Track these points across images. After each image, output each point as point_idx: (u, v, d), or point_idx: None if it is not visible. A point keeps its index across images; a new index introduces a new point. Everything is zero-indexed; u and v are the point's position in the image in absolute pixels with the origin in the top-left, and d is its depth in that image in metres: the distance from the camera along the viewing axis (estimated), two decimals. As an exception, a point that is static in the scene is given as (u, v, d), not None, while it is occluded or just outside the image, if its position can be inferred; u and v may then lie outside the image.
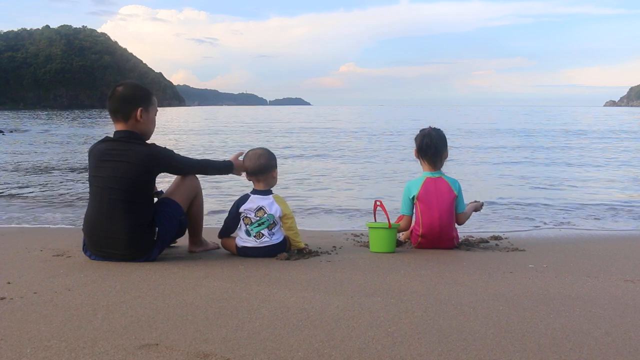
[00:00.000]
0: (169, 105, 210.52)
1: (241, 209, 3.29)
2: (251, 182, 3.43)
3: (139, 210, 3.04)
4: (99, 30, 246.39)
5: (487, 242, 3.94)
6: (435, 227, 3.52)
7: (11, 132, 24.16)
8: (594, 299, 2.47)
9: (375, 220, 3.76)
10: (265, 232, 3.26)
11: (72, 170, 10.11)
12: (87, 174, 3.23)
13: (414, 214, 3.63)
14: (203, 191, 3.45)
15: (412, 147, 3.76)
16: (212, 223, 4.47)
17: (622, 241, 4.32)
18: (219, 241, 3.51)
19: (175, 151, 3.24)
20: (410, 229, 3.71)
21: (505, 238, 4.13)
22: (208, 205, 3.54)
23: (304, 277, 2.79)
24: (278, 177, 3.49)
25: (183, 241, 3.49)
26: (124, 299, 2.38)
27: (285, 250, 3.32)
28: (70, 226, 4.99)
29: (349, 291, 2.54)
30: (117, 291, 2.50)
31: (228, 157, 3.50)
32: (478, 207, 3.95)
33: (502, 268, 3.07)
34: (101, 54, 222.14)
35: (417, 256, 3.42)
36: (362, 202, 6.43)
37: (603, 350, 1.86)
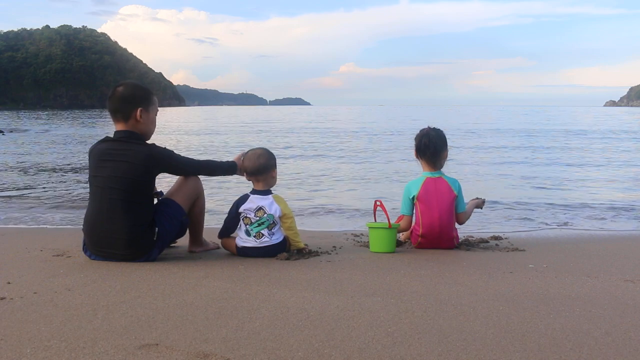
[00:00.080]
0: (169, 105, 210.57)
1: (241, 209, 3.29)
2: (251, 182, 3.43)
3: (139, 210, 3.04)
4: (99, 30, 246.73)
5: (487, 242, 3.94)
6: (435, 227, 3.52)
7: (11, 132, 24.17)
8: (594, 299, 2.47)
9: (375, 220, 3.76)
10: (265, 232, 3.26)
11: (72, 170, 10.11)
12: (86, 174, 3.24)
13: (414, 214, 3.63)
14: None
15: (412, 147, 3.76)
16: (212, 223, 4.47)
17: (622, 241, 4.32)
18: (219, 241, 3.51)
19: (175, 152, 3.24)
20: (410, 229, 3.71)
21: (505, 238, 4.13)
22: (207, 205, 3.54)
23: (304, 277, 2.79)
24: (278, 177, 3.49)
25: (183, 241, 3.49)
26: (124, 299, 2.38)
27: (285, 250, 3.32)
28: (70, 226, 4.99)
29: (349, 291, 2.54)
30: (117, 291, 2.50)
31: (229, 157, 3.50)
32: (479, 204, 3.94)
33: (502, 268, 3.07)
34: (101, 54, 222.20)
35: (417, 256, 3.42)
36: (362, 202, 6.43)
37: (603, 350, 1.86)
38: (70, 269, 2.92)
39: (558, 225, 5.10)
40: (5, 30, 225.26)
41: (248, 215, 3.27)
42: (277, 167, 3.47)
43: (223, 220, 3.44)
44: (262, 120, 44.11)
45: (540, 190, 7.69)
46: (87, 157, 3.18)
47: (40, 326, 2.02)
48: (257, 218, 3.26)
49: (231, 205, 3.37)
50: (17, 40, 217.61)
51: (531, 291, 2.59)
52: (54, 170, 10.09)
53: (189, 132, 25.64)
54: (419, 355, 1.80)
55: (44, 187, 7.77)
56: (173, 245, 3.51)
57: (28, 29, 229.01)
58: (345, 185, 8.36)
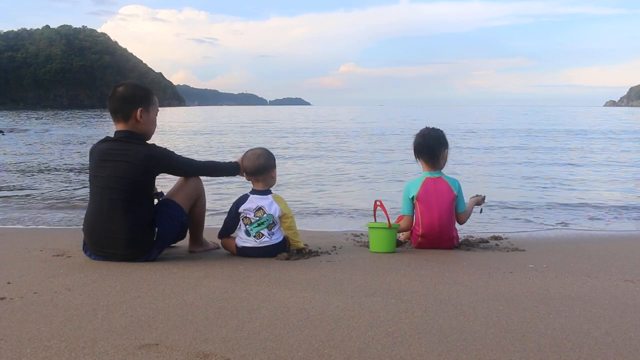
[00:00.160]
0: (169, 105, 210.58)
1: (240, 209, 3.29)
2: (250, 182, 3.43)
3: (139, 210, 3.04)
4: (99, 30, 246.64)
5: (487, 242, 3.94)
6: (435, 227, 3.52)
7: (11, 131, 24.17)
8: (594, 299, 2.47)
9: (375, 220, 3.76)
10: (265, 232, 3.26)
11: (72, 170, 10.11)
12: (86, 174, 3.24)
13: (414, 214, 3.62)
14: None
15: (412, 147, 3.76)
16: (212, 223, 4.47)
17: (622, 241, 4.32)
18: (219, 241, 3.51)
19: (176, 152, 3.24)
20: (410, 229, 3.71)
21: (505, 238, 4.13)
22: (207, 205, 3.54)
23: (304, 277, 2.79)
24: (277, 177, 3.49)
25: (183, 241, 3.49)
26: (124, 299, 2.38)
27: (285, 250, 3.32)
28: (70, 226, 4.99)
29: (349, 291, 2.54)
30: (117, 291, 2.50)
31: (229, 157, 3.50)
32: (479, 200, 3.94)
33: (502, 268, 3.07)
34: (101, 54, 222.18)
35: (417, 256, 3.42)
36: (362, 202, 6.43)
37: (603, 350, 1.86)
38: (70, 269, 2.92)
39: (558, 225, 5.10)
40: (5, 30, 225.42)
41: (248, 215, 3.28)
42: (277, 167, 3.47)
43: (223, 221, 3.44)
44: (262, 120, 44.12)
45: (540, 190, 7.69)
46: (87, 157, 3.18)
47: (40, 326, 2.02)
48: (257, 218, 3.26)
49: (231, 205, 3.37)
50: (17, 40, 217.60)
51: (531, 291, 2.59)
52: (54, 170, 10.09)
53: (189, 132, 25.64)
54: (419, 355, 1.80)
55: (44, 187, 7.77)
56: (173, 245, 3.51)
57: (28, 29, 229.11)
58: (345, 185, 8.36)
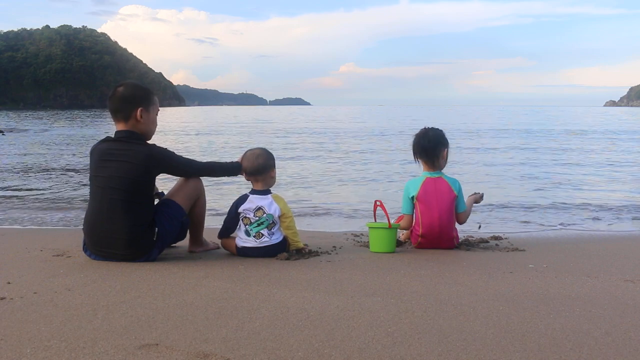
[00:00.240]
0: (169, 105, 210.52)
1: (240, 209, 3.29)
2: (250, 182, 3.43)
3: (139, 211, 3.04)
4: (99, 30, 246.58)
5: (487, 242, 3.93)
6: (435, 227, 3.52)
7: (11, 131, 24.17)
8: (594, 299, 2.47)
9: (375, 220, 3.76)
10: (264, 232, 3.26)
11: (72, 170, 10.11)
12: (86, 174, 3.24)
13: (414, 214, 3.62)
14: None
15: (411, 147, 3.75)
16: (212, 223, 4.48)
17: (622, 241, 4.32)
18: (219, 241, 3.51)
19: (177, 152, 3.24)
20: (410, 228, 3.71)
21: (505, 238, 4.13)
22: (207, 205, 3.54)
23: (304, 277, 2.79)
24: (277, 177, 3.48)
25: (183, 241, 3.49)
26: (124, 299, 2.38)
27: (285, 250, 3.32)
28: (70, 226, 5.00)
29: (349, 291, 2.54)
30: (117, 291, 2.50)
31: (229, 157, 3.50)
32: (478, 198, 3.93)
33: (502, 268, 3.07)
34: (101, 54, 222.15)
35: (417, 256, 3.42)
36: (362, 203, 6.43)
37: (603, 350, 1.86)
38: (70, 269, 2.92)
39: (558, 225, 5.10)
40: (5, 30, 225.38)
41: (247, 216, 3.27)
42: (277, 167, 3.47)
43: (223, 221, 3.44)
44: (262, 120, 44.11)
45: (540, 190, 7.69)
46: (87, 157, 3.18)
47: (40, 326, 2.02)
48: (257, 218, 3.26)
49: (230, 206, 3.37)
50: (17, 40, 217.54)
51: (531, 291, 2.59)
52: (54, 170, 10.09)
53: (189, 132, 25.64)
54: (419, 355, 1.80)
55: (44, 187, 7.77)
56: (173, 245, 3.51)
57: (28, 29, 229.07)
58: (345, 185, 8.37)
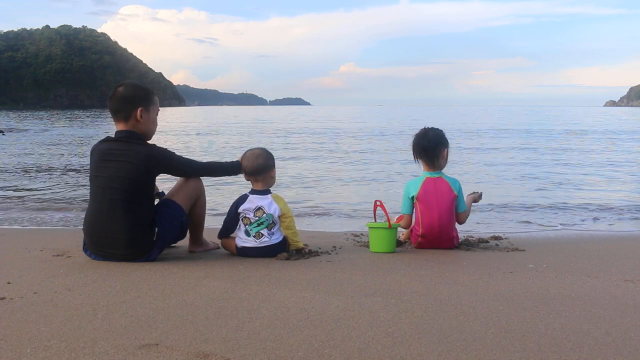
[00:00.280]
0: (169, 105, 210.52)
1: (240, 209, 3.29)
2: (250, 182, 3.43)
3: (139, 211, 3.04)
4: (99, 30, 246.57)
5: (487, 242, 3.93)
6: (435, 227, 3.52)
7: (11, 131, 24.17)
8: (594, 299, 2.47)
9: (375, 220, 3.76)
10: (264, 232, 3.26)
11: (72, 170, 10.11)
12: (86, 174, 3.24)
13: (414, 214, 3.62)
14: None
15: (411, 147, 3.75)
16: (212, 223, 4.48)
17: (622, 241, 4.32)
18: (219, 241, 3.51)
19: (177, 153, 3.24)
20: (410, 228, 3.71)
21: (505, 238, 4.13)
22: (207, 204, 3.54)
23: (304, 277, 2.79)
24: (277, 177, 3.48)
25: (183, 241, 3.49)
26: (124, 299, 2.38)
27: (285, 250, 3.32)
28: (70, 226, 5.00)
29: (349, 291, 2.54)
30: (117, 291, 2.50)
31: (229, 157, 3.49)
32: (476, 197, 3.93)
33: (502, 268, 3.07)
34: (101, 54, 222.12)
35: (417, 256, 3.42)
36: (362, 203, 6.43)
37: (603, 350, 1.86)
38: (70, 269, 2.92)
39: (558, 226, 5.10)
40: (5, 30, 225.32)
41: (247, 216, 3.27)
42: (277, 167, 3.47)
43: (222, 221, 3.44)
44: (262, 120, 44.11)
45: (540, 190, 7.69)
46: (87, 157, 3.18)
47: (40, 326, 2.02)
48: (257, 218, 3.26)
49: (230, 206, 3.37)
50: (17, 40, 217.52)
51: (531, 291, 2.59)
52: (54, 170, 10.09)
53: (189, 132, 25.64)
54: (419, 355, 1.80)
55: (44, 187, 7.77)
56: (173, 245, 3.51)
57: (28, 29, 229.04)
58: (345, 185, 8.37)
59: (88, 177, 3.20)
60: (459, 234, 3.74)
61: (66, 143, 17.60)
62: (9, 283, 2.61)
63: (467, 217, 3.71)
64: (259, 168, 3.34)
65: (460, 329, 2.03)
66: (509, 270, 3.02)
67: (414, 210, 3.61)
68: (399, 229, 3.68)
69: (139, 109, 3.09)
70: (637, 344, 1.93)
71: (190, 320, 2.11)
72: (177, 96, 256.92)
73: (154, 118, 3.21)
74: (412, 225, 3.69)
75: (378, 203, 3.56)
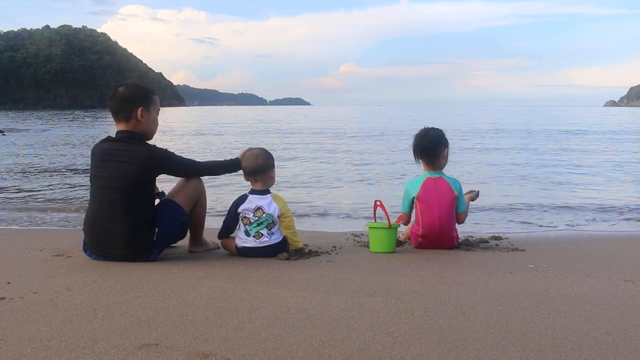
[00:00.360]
0: (169, 105, 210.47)
1: (240, 209, 3.29)
2: (249, 182, 3.43)
3: (139, 211, 3.04)
4: (99, 30, 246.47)
5: (487, 242, 3.93)
6: (436, 227, 3.52)
7: (10, 131, 24.17)
8: (594, 299, 2.47)
9: (375, 220, 3.76)
10: (264, 232, 3.26)
11: (72, 170, 10.10)
12: (86, 174, 3.24)
13: (414, 214, 3.63)
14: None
15: (411, 148, 3.75)
16: (212, 223, 4.47)
17: (622, 241, 4.32)
18: (219, 242, 3.51)
19: (177, 153, 3.24)
20: (410, 229, 3.71)
21: (505, 238, 4.13)
22: (207, 205, 3.53)
23: (304, 277, 2.79)
24: (277, 177, 3.48)
25: (183, 241, 3.49)
26: (124, 299, 2.38)
27: (285, 249, 3.32)
28: (70, 227, 5.00)
29: (349, 291, 2.54)
30: (117, 291, 2.50)
31: (229, 157, 3.49)
32: (473, 196, 3.93)
33: (502, 268, 3.07)
34: (101, 54, 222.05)
35: (417, 256, 3.42)
36: (362, 203, 6.43)
37: (603, 350, 1.86)
38: (70, 269, 2.92)
39: (558, 226, 5.10)
40: (5, 30, 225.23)
41: (247, 216, 3.28)
42: (277, 167, 3.47)
43: (222, 221, 3.44)
44: (262, 120, 44.11)
45: (540, 190, 7.69)
46: (87, 158, 3.19)
47: (40, 326, 2.02)
48: (256, 218, 3.26)
49: (230, 206, 3.37)
50: (17, 40, 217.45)
51: (531, 291, 2.59)
52: (54, 170, 10.09)
53: (189, 132, 25.64)
54: (419, 355, 1.80)
55: (44, 187, 7.77)
56: (173, 245, 3.51)
57: (28, 29, 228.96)
58: (345, 185, 8.36)
59: (88, 177, 3.20)
60: (459, 234, 3.74)
61: (66, 143, 17.59)
62: (9, 283, 2.61)
63: (466, 217, 3.71)
64: (258, 168, 3.34)
65: (460, 329, 2.03)
66: (509, 270, 3.02)
67: (415, 210, 3.62)
68: (399, 228, 3.68)
69: (140, 109, 3.09)
70: (637, 344, 1.93)
71: (190, 320, 2.11)
72: (177, 96, 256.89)
73: (154, 118, 3.21)
74: (412, 225, 3.69)
75: (378, 203, 3.56)
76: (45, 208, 6.02)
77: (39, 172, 9.69)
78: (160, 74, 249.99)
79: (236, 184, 7.34)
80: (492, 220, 5.30)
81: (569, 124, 32.63)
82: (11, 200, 6.62)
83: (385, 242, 3.52)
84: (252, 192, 3.35)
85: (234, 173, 3.48)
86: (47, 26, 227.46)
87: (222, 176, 3.56)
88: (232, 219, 3.34)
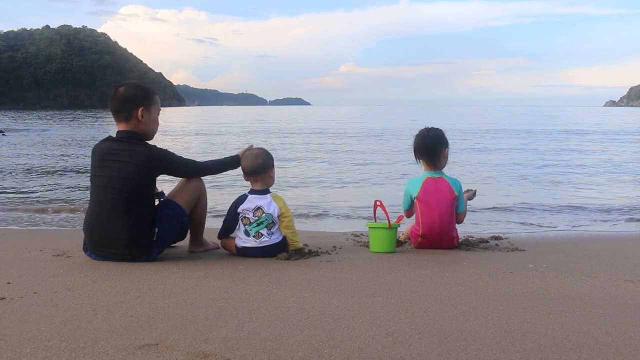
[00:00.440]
0: (169, 105, 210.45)
1: (239, 209, 3.29)
2: (249, 182, 3.43)
3: (139, 211, 3.04)
4: (99, 30, 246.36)
5: (487, 242, 3.93)
6: (436, 228, 3.52)
7: (11, 131, 24.16)
8: (594, 299, 2.47)
9: (375, 220, 3.76)
10: (264, 231, 3.26)
11: (72, 170, 10.10)
12: (86, 174, 3.24)
13: (415, 214, 3.63)
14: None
15: (412, 148, 3.75)
16: (212, 223, 4.47)
17: (622, 241, 4.32)
18: (219, 242, 3.51)
19: (177, 153, 3.24)
20: (410, 229, 3.71)
21: (505, 238, 4.13)
22: (208, 205, 3.53)
23: (304, 277, 2.79)
24: (277, 177, 3.48)
25: (183, 241, 3.49)
26: (124, 299, 2.38)
27: (285, 249, 3.32)
28: (70, 227, 5.00)
29: (349, 291, 2.54)
30: (117, 291, 2.50)
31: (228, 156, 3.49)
32: (471, 196, 3.93)
33: (502, 268, 3.07)
34: (101, 54, 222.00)
35: (417, 256, 3.42)
36: (362, 203, 6.43)
37: (603, 350, 1.86)
38: (70, 269, 2.92)
39: (558, 226, 5.10)
40: (5, 30, 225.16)
41: (247, 216, 3.27)
42: (277, 167, 3.47)
43: (222, 221, 3.44)
44: (262, 120, 44.11)
45: (540, 190, 7.69)
46: (87, 158, 3.19)
47: (40, 326, 2.02)
48: (256, 218, 3.26)
49: (230, 206, 3.37)
50: (17, 40, 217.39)
51: (531, 291, 2.59)
52: (54, 170, 10.09)
53: (190, 132, 25.64)
54: (419, 355, 1.80)
55: (44, 188, 7.77)
56: (173, 245, 3.51)
57: (28, 29, 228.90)
58: (345, 185, 8.36)
59: (88, 178, 3.20)
60: (459, 234, 3.74)
61: (66, 143, 17.59)
62: (9, 283, 2.61)
63: (465, 217, 3.71)
64: (258, 168, 3.34)
65: (460, 329, 2.03)
66: (509, 270, 3.02)
67: (415, 210, 3.62)
68: (399, 228, 3.68)
69: (140, 109, 3.09)
70: (637, 344, 1.93)
71: (190, 320, 2.11)
72: (177, 96, 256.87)
73: (155, 118, 3.21)
74: (412, 225, 3.70)
75: (378, 203, 3.56)
76: (45, 208, 6.02)
77: (39, 172, 9.69)
78: (160, 74, 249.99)
79: (236, 184, 7.34)
80: (492, 220, 5.30)
81: (569, 124, 32.64)
82: (11, 201, 6.62)
83: (385, 242, 3.52)
84: (252, 192, 3.35)
85: (234, 173, 3.47)
86: (47, 26, 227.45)
87: (222, 176, 3.55)
88: (231, 219, 3.34)
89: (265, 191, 3.34)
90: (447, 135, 3.73)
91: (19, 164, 11.05)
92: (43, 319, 2.11)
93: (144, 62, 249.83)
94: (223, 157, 3.46)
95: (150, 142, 3.20)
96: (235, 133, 24.75)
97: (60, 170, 10.03)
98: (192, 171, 3.28)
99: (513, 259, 3.35)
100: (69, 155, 13.20)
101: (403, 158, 12.14)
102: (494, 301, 2.40)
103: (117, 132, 3.14)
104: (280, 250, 3.29)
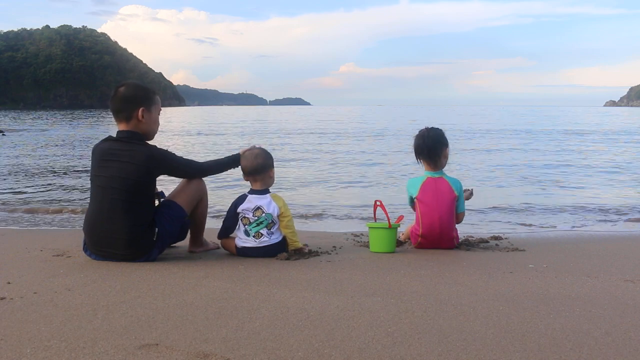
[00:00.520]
0: (169, 105, 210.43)
1: (239, 209, 3.29)
2: (249, 182, 3.43)
3: (139, 211, 3.04)
4: (99, 30, 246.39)
5: (487, 242, 3.93)
6: (436, 228, 3.52)
7: (11, 131, 24.16)
8: (594, 299, 2.47)
9: (375, 221, 3.76)
10: (264, 231, 3.26)
11: (72, 170, 10.10)
12: (86, 175, 3.24)
13: (415, 214, 3.63)
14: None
15: (412, 148, 3.75)
16: (212, 223, 4.47)
17: (622, 241, 4.32)
18: (219, 242, 3.51)
19: (177, 154, 3.24)
20: (410, 229, 3.71)
21: (505, 238, 4.13)
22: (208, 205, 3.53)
23: (304, 277, 2.79)
24: (277, 177, 3.48)
25: (183, 241, 3.49)
26: (124, 299, 2.38)
27: (285, 249, 3.32)
28: (70, 227, 5.00)
29: (349, 291, 2.54)
30: (117, 291, 2.50)
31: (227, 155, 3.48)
32: (468, 196, 3.93)
33: (502, 268, 3.07)
34: (101, 54, 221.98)
35: (417, 256, 3.42)
36: (362, 203, 6.43)
37: (603, 350, 1.86)
38: (70, 269, 2.92)
39: (559, 226, 5.10)
40: (5, 30, 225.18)
41: (246, 215, 3.27)
42: (277, 167, 3.47)
43: (222, 221, 3.44)
44: (262, 120, 44.10)
45: (540, 190, 7.69)
46: (87, 158, 3.19)
47: (40, 326, 2.02)
48: (256, 218, 3.26)
49: (229, 206, 3.37)
50: (17, 40, 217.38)
51: (531, 291, 2.59)
52: (54, 170, 10.09)
53: (190, 132, 25.64)
54: (419, 355, 1.80)
55: (44, 187, 7.77)
56: (173, 245, 3.51)
57: (28, 29, 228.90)
58: (345, 185, 8.36)
59: (88, 178, 3.20)
60: (459, 234, 3.74)
61: (66, 143, 17.59)
62: (9, 283, 2.61)
63: (464, 217, 3.72)
64: (257, 168, 3.34)
65: (460, 329, 2.03)
66: (509, 270, 3.02)
67: (415, 210, 3.62)
68: (399, 228, 3.68)
69: (141, 109, 3.09)
70: (637, 344, 1.93)
71: (190, 320, 2.11)
72: (177, 96, 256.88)
73: (155, 118, 3.21)
74: (412, 225, 3.70)
75: (378, 203, 3.56)
76: (45, 208, 6.02)
77: (39, 172, 9.69)
78: (160, 74, 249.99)
79: (238, 184, 7.34)
80: (492, 220, 5.30)
81: (569, 124, 32.63)
82: (11, 201, 6.62)
83: (385, 242, 3.52)
84: (252, 192, 3.35)
85: (237, 175, 3.46)
86: (47, 26, 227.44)
87: (222, 176, 3.56)
88: (231, 218, 3.34)
89: (265, 191, 3.34)
90: (447, 135, 3.74)
91: (19, 164, 11.04)
92: (43, 319, 2.11)
93: (144, 62, 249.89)
94: (223, 156, 3.46)
95: (151, 142, 3.21)
96: (236, 133, 24.75)
97: (60, 170, 10.02)
98: (192, 171, 3.28)
99: (513, 259, 3.35)
100: (68, 156, 13.20)
101: (403, 158, 12.15)
102: (494, 301, 2.40)
103: (118, 132, 3.14)
104: (280, 250, 3.29)
